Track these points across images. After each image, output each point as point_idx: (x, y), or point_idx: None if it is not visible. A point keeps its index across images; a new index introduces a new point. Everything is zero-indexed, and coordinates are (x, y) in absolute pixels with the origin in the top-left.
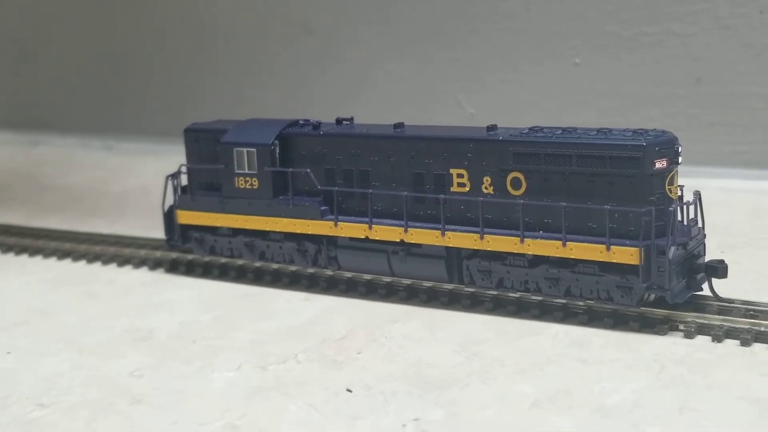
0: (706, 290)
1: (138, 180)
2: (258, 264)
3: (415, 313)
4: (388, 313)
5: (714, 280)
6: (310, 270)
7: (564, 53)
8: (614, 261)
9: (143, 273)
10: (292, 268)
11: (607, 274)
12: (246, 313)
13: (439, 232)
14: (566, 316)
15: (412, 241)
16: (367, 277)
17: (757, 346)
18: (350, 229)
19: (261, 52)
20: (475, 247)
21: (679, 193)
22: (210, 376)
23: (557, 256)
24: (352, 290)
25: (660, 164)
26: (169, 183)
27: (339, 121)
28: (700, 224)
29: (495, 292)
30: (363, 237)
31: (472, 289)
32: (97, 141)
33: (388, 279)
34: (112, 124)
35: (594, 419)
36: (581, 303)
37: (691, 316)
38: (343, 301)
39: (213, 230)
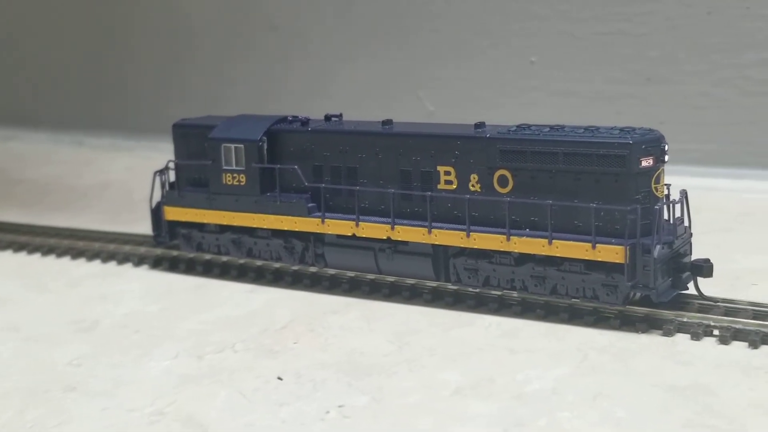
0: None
1: (103, 175)
2: (208, 257)
3: (355, 304)
4: (329, 304)
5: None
6: (258, 263)
7: (520, 52)
8: (600, 259)
9: (95, 265)
10: (241, 261)
11: (592, 272)
12: (192, 304)
13: (426, 229)
14: (500, 307)
15: (399, 239)
16: (312, 269)
17: (679, 336)
18: (337, 227)
19: (229, 50)
20: (462, 245)
21: (666, 192)
22: (146, 365)
23: (543, 254)
24: (297, 282)
25: (646, 162)
26: (157, 179)
27: (328, 118)
28: (686, 223)
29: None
30: (350, 234)
31: (412, 282)
32: (68, 136)
33: (332, 271)
34: (83, 120)
35: (511, 405)
36: (515, 294)
37: (618, 308)
38: (288, 293)
39: (200, 227)
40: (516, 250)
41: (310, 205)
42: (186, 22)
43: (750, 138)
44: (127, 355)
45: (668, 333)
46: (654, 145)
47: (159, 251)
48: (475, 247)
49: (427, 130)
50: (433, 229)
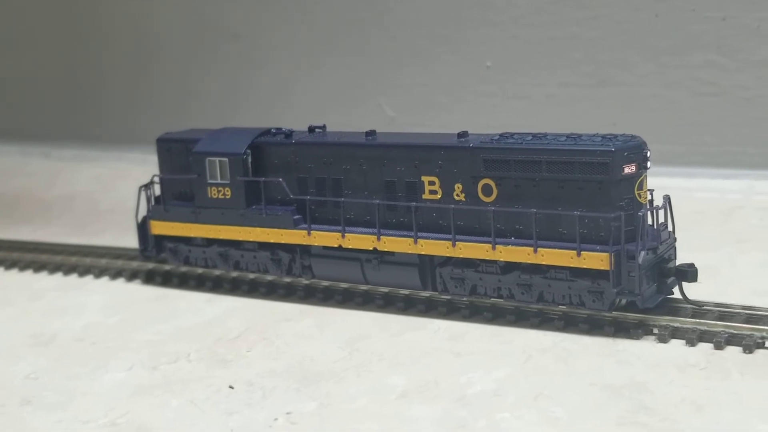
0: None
1: (70, 187)
2: (167, 267)
3: (309, 312)
4: (284, 312)
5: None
6: (216, 272)
7: (476, 57)
8: (585, 266)
9: (57, 278)
10: (199, 270)
11: (578, 279)
12: (150, 314)
13: (412, 239)
14: (449, 311)
15: (385, 249)
16: (269, 278)
17: (620, 336)
18: (323, 238)
19: (194, 60)
20: (448, 255)
21: (649, 198)
22: (102, 377)
23: (529, 262)
24: (253, 291)
25: (629, 169)
26: (143, 193)
27: (311, 129)
28: (670, 228)
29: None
30: (336, 246)
31: (365, 288)
32: (35, 148)
33: (288, 279)
34: (51, 131)
35: (453, 408)
36: (464, 299)
37: (561, 309)
38: (244, 301)
39: (187, 240)
40: (502, 259)
41: (295, 217)
42: (152, 34)
43: (700, 138)
44: (83, 368)
45: (609, 333)
46: (636, 151)
47: (119, 263)
48: (461, 256)
49: (411, 140)
50: (418, 239)
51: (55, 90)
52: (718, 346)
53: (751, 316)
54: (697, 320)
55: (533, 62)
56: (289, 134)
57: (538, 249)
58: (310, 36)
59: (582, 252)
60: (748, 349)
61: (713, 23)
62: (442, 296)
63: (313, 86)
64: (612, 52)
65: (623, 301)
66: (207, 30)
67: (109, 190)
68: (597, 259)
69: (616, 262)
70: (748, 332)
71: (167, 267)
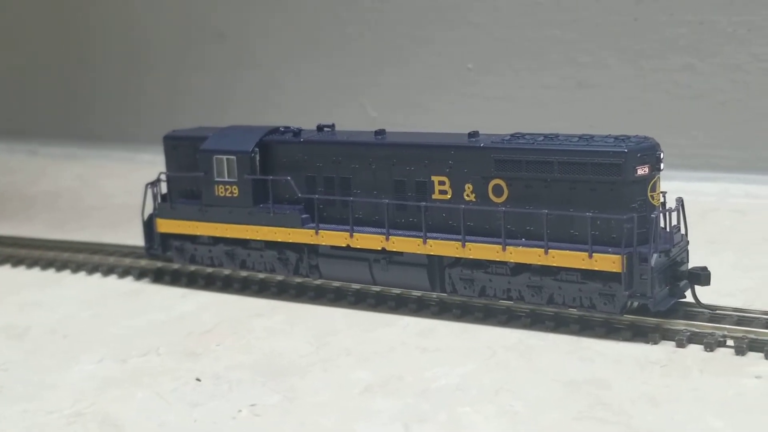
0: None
1: (54, 184)
2: (143, 263)
3: (281, 307)
4: (257, 308)
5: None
6: (191, 268)
7: (458, 58)
8: (597, 268)
9: (35, 273)
10: (175, 266)
11: (589, 281)
12: (124, 309)
13: (421, 240)
14: (419, 308)
15: (394, 249)
16: (243, 273)
17: (585, 334)
18: (331, 238)
19: (181, 60)
20: (457, 255)
21: (662, 200)
22: (71, 369)
23: (539, 263)
24: (227, 287)
25: (642, 171)
26: (149, 191)
27: (320, 128)
28: (683, 231)
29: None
30: (344, 245)
31: (336, 284)
32: (22, 145)
33: (262, 276)
34: (37, 128)
35: (415, 401)
36: (434, 296)
37: (528, 306)
38: (218, 297)
39: (193, 239)
40: (512, 260)
41: (303, 216)
42: (140, 33)
43: (676, 140)
44: (53, 360)
45: (575, 331)
46: (649, 153)
47: (97, 258)
48: (471, 257)
49: (421, 140)
50: (428, 240)
51: (43, 88)
52: (680, 344)
53: (714, 316)
54: (660, 319)
55: (513, 64)
56: (297, 133)
57: (549, 250)
58: (294, 36)
59: (594, 254)
60: (709, 347)
61: (691, 27)
62: (413, 293)
63: (297, 86)
64: (591, 55)
65: (635, 304)
66: (194, 30)
67: (93, 188)
68: (609, 261)
69: (628, 265)
70: (710, 331)
71: (143, 262)
